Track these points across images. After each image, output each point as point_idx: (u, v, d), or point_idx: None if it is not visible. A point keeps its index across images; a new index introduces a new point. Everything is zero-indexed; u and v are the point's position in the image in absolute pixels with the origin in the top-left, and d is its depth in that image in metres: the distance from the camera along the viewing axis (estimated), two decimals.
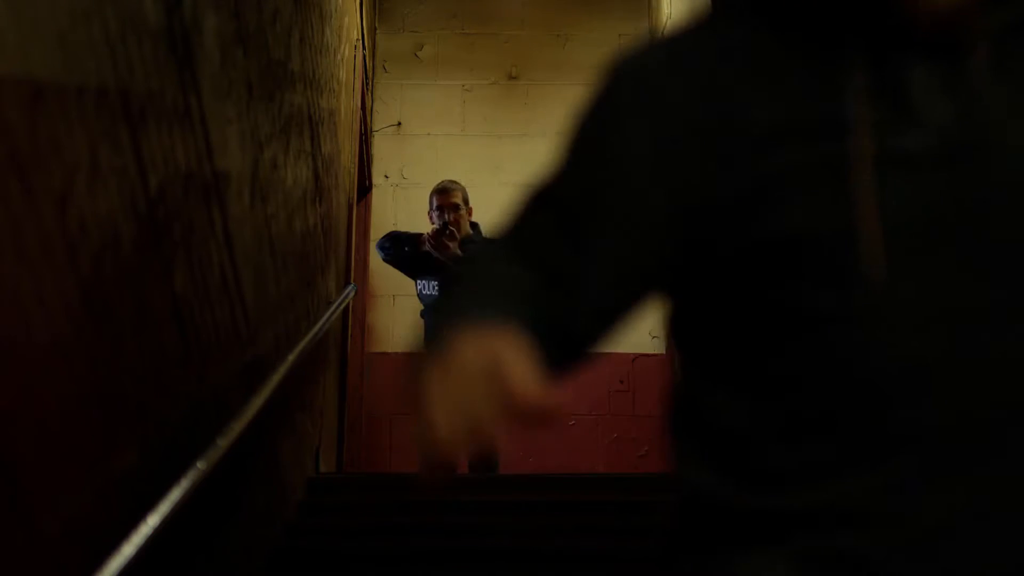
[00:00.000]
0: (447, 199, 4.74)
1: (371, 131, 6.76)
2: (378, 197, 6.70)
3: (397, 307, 6.50)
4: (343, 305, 4.24)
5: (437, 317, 0.83)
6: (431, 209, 4.79)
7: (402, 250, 4.76)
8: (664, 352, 6.29)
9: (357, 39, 5.27)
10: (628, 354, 6.39)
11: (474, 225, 4.78)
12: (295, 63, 3.10)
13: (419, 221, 6.67)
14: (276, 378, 2.58)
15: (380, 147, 6.86)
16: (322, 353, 3.85)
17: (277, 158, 2.81)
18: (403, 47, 7.14)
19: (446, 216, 4.64)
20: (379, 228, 6.63)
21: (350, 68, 4.89)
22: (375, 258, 6.53)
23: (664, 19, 5.94)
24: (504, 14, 7.25)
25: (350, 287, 4.53)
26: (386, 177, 6.81)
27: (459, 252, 4.53)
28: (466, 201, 4.77)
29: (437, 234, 4.58)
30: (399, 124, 6.94)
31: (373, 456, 6.05)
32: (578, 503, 3.40)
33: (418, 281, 4.74)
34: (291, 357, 2.84)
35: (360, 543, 3.03)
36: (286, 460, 3.04)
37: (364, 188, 6.33)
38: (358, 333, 5.99)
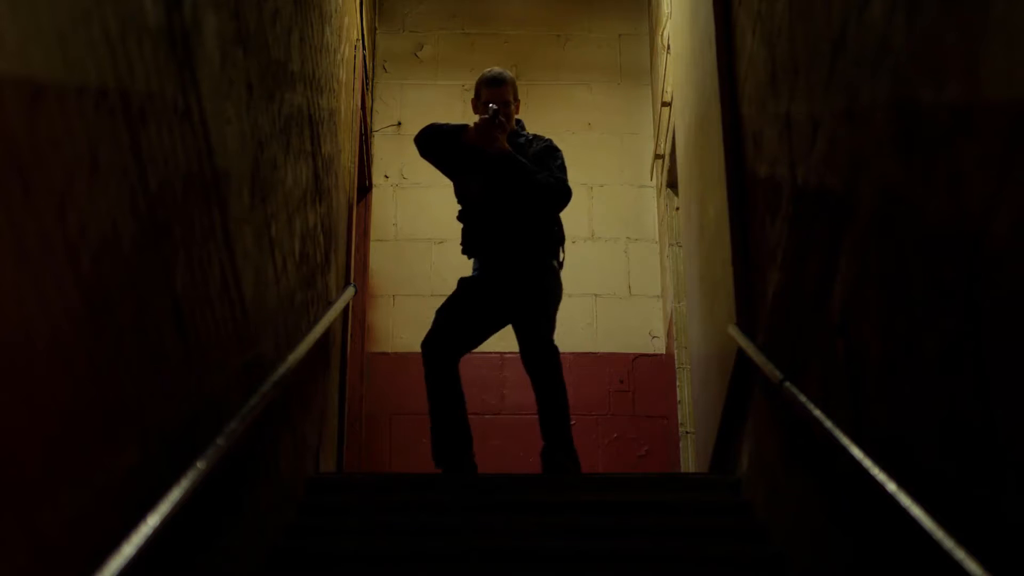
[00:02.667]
0: (499, 95, 4.23)
1: (371, 131, 6.76)
2: (378, 197, 6.70)
3: (397, 307, 6.49)
4: (343, 305, 4.24)
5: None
6: (476, 99, 4.30)
7: (443, 143, 4.22)
8: (664, 352, 6.29)
9: (357, 39, 5.27)
10: (628, 354, 6.39)
11: (519, 122, 4.35)
12: (295, 63, 3.10)
13: (419, 221, 6.69)
14: (276, 378, 2.58)
15: (380, 147, 6.86)
16: (322, 353, 3.85)
17: (277, 158, 2.81)
18: (403, 47, 7.14)
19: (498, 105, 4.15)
20: (379, 228, 6.63)
21: (350, 68, 4.89)
22: (375, 258, 6.54)
23: (664, 19, 5.94)
24: (504, 14, 7.25)
25: (350, 287, 4.52)
26: (386, 177, 6.80)
27: (507, 146, 4.11)
28: (515, 96, 4.30)
29: (487, 124, 4.08)
30: (399, 124, 6.94)
31: (373, 456, 6.04)
32: (578, 503, 3.40)
33: (457, 180, 4.30)
34: (291, 357, 2.84)
35: (360, 543, 3.03)
36: (286, 460, 3.04)
37: (364, 188, 6.33)
38: (358, 333, 5.99)
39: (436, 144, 4.24)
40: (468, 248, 4.22)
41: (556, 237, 4.20)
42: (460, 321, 4.12)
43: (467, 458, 4.01)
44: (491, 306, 4.14)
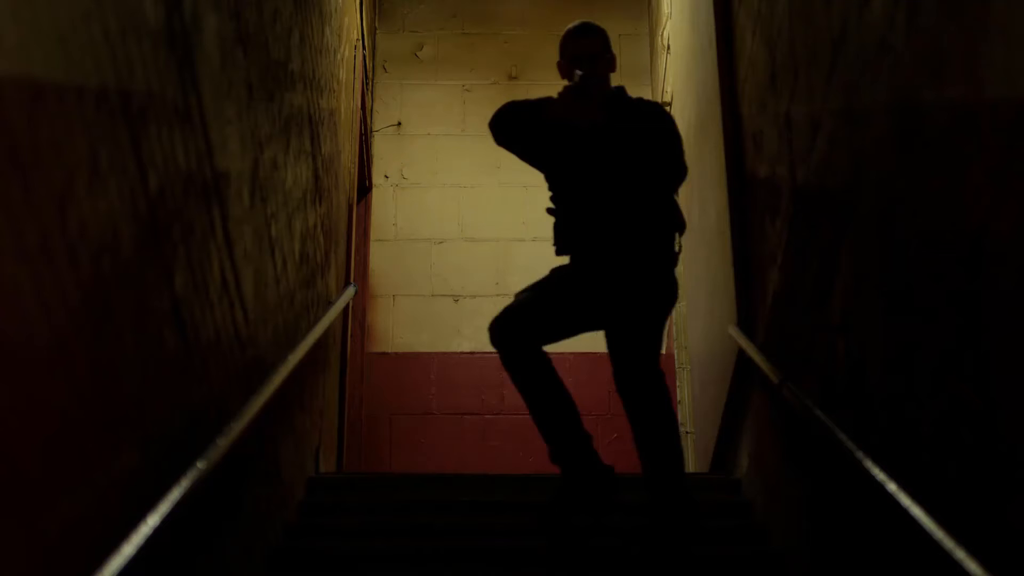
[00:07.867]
0: (585, 46, 3.26)
1: (371, 131, 6.76)
2: (378, 197, 6.71)
3: (397, 307, 6.50)
4: (343, 305, 4.24)
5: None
6: (562, 59, 3.30)
7: (524, 124, 3.29)
8: (664, 352, 6.29)
9: (357, 39, 5.27)
10: None
11: (620, 88, 3.32)
12: (295, 63, 3.10)
13: (419, 221, 6.70)
14: (276, 378, 2.58)
15: (380, 147, 6.87)
16: (322, 353, 3.85)
17: (277, 158, 2.81)
18: (403, 47, 7.14)
19: (584, 68, 3.17)
20: (379, 228, 6.63)
21: (350, 68, 4.89)
22: (375, 258, 6.54)
23: (664, 19, 5.94)
24: (504, 14, 7.25)
25: (350, 287, 4.52)
26: (386, 177, 6.81)
27: (599, 116, 3.15)
28: (607, 48, 3.31)
29: (573, 92, 3.12)
30: (399, 124, 6.94)
31: (373, 456, 6.05)
32: None
33: (546, 166, 3.33)
34: (291, 357, 2.84)
35: (360, 543, 3.03)
36: (286, 460, 3.04)
37: (364, 188, 6.34)
38: (358, 333, 5.99)
39: (515, 126, 3.34)
40: (563, 244, 3.26)
41: (675, 222, 3.24)
42: (544, 305, 3.18)
43: (584, 454, 3.10)
44: (589, 299, 3.17)
